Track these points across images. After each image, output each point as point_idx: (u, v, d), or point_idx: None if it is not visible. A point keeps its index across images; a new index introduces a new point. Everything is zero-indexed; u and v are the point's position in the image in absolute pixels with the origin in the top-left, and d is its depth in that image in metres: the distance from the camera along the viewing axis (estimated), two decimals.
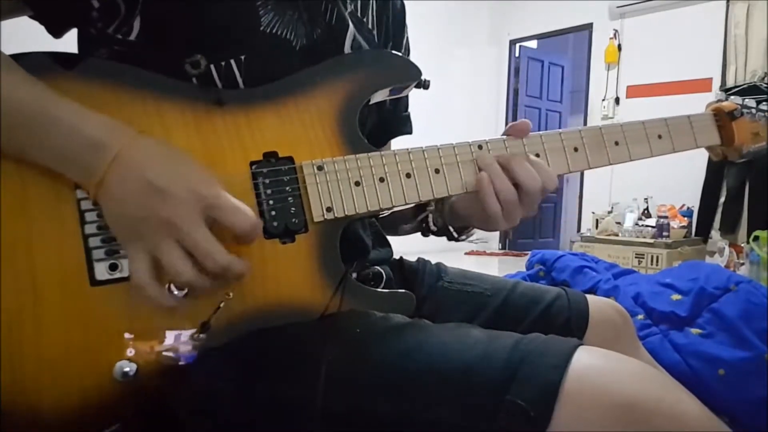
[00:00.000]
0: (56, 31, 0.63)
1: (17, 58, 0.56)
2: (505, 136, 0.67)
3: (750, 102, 0.79)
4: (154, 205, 0.51)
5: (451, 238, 0.78)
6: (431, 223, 0.77)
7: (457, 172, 0.65)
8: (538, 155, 0.68)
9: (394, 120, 0.86)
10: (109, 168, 0.52)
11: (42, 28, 0.62)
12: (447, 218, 0.76)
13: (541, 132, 0.69)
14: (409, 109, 0.89)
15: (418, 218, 0.78)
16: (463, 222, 0.75)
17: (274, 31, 0.64)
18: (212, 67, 0.62)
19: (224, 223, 0.53)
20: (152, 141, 0.55)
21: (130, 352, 0.55)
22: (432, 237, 0.83)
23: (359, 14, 0.75)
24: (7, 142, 0.53)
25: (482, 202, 0.64)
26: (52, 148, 0.53)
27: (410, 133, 0.88)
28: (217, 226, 0.53)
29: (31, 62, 0.56)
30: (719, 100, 0.83)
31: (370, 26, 0.77)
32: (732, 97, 0.85)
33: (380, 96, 0.68)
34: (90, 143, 0.52)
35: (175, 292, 0.54)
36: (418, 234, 0.86)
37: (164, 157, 0.54)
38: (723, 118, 0.80)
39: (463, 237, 0.77)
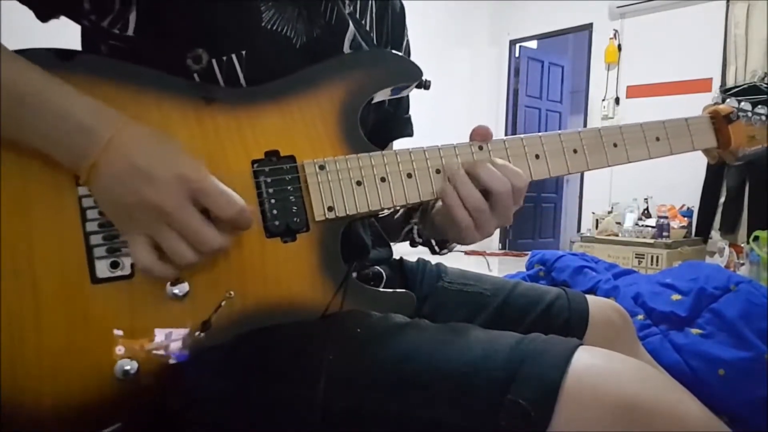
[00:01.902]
0: (43, 16, 0.62)
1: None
2: (504, 137, 0.68)
3: (746, 105, 0.79)
4: (142, 189, 0.51)
5: (433, 251, 0.77)
6: (416, 235, 0.76)
7: None
8: (537, 156, 0.68)
9: (395, 122, 0.86)
10: (101, 154, 0.52)
11: (43, 26, 0.62)
12: (429, 231, 0.75)
13: (540, 133, 0.69)
14: (410, 111, 0.89)
15: (403, 231, 0.77)
16: (441, 235, 0.73)
17: (274, 27, 0.64)
18: (214, 62, 0.62)
19: (210, 207, 0.53)
20: (142, 127, 0.55)
21: (120, 350, 0.55)
22: None
23: (358, 15, 0.75)
24: (2, 124, 0.53)
25: (450, 213, 0.62)
26: (44, 130, 0.53)
27: (411, 135, 0.87)
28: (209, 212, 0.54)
29: (29, 58, 0.55)
30: (716, 103, 0.83)
31: (368, 28, 0.77)
32: (728, 99, 0.85)
33: (381, 96, 0.68)
34: (81, 127, 0.52)
35: (179, 286, 0.55)
36: None
37: (151, 142, 0.54)
38: (719, 121, 0.80)
39: (445, 251, 0.76)
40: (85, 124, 0.52)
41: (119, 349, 0.55)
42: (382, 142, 0.82)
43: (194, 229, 0.52)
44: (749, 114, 0.82)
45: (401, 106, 0.86)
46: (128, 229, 0.54)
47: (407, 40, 0.88)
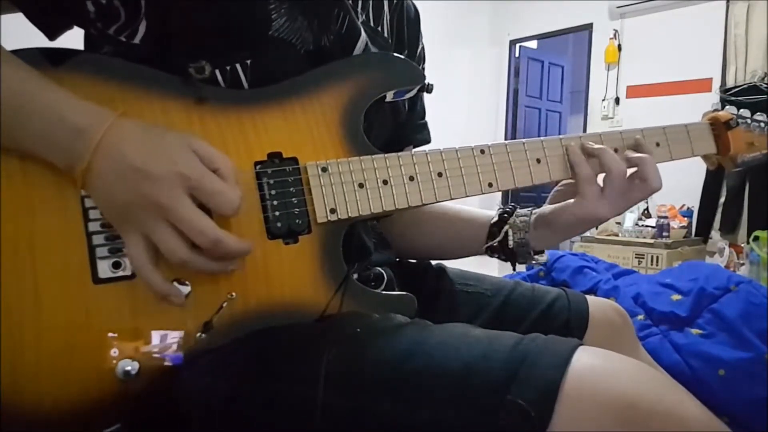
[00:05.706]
0: (50, 34, 0.63)
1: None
2: (506, 141, 0.68)
3: (745, 112, 0.81)
4: (138, 186, 0.51)
5: (522, 259, 0.77)
6: (510, 240, 0.77)
7: (459, 177, 0.65)
8: (539, 161, 0.68)
9: (410, 128, 0.85)
10: (93, 154, 0.52)
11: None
12: (531, 236, 0.75)
13: (542, 138, 0.69)
14: (425, 117, 0.88)
15: (496, 238, 0.77)
16: (559, 229, 0.74)
17: (282, 36, 0.64)
18: (217, 72, 0.62)
19: (207, 204, 0.53)
20: (132, 122, 0.54)
21: (122, 350, 0.55)
22: None
23: (372, 24, 0.75)
24: None
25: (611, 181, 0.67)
26: (38, 134, 0.53)
27: (428, 141, 0.87)
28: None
29: (24, 58, 0.55)
30: (716, 110, 0.84)
31: (385, 35, 0.77)
32: (728, 106, 0.86)
33: (387, 98, 0.68)
34: (74, 129, 0.52)
35: (181, 288, 0.55)
36: None
37: (144, 137, 0.54)
38: (719, 128, 0.81)
39: (536, 258, 0.77)
40: (77, 125, 0.52)
41: (121, 350, 0.55)
42: (397, 148, 0.82)
43: (191, 219, 0.52)
44: (748, 121, 0.83)
45: (416, 112, 0.86)
46: (125, 229, 0.54)
47: (422, 46, 0.88)
